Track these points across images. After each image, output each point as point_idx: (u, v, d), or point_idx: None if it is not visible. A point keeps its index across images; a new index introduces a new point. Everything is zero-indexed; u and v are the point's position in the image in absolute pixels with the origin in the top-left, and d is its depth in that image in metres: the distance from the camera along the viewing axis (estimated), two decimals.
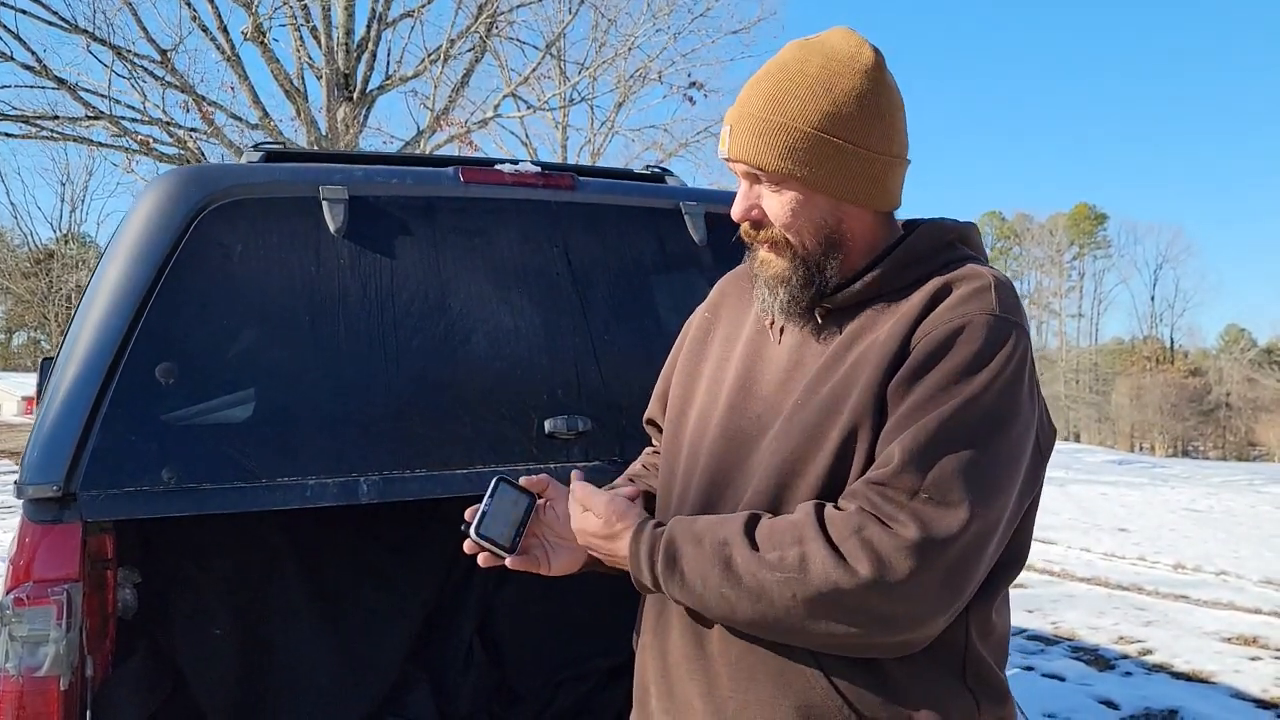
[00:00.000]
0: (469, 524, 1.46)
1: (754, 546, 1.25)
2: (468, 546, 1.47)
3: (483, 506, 1.45)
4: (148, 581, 2.44)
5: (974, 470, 1.20)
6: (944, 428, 1.21)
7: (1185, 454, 51.51)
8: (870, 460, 1.27)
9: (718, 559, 1.26)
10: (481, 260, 2.70)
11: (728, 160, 1.40)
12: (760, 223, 1.40)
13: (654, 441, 1.85)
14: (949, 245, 1.39)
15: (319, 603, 2.56)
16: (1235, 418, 58.29)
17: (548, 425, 2.60)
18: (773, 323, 1.47)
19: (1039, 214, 71.13)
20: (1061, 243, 68.07)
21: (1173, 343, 68.19)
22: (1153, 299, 69.03)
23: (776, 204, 1.36)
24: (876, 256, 1.37)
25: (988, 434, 1.23)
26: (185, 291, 2.38)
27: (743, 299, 1.58)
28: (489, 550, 1.44)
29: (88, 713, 2.15)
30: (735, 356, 1.50)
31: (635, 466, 1.82)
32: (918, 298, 1.32)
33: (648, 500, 1.64)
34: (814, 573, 1.19)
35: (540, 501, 1.51)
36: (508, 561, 1.44)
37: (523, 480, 1.51)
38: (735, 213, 1.41)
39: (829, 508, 1.25)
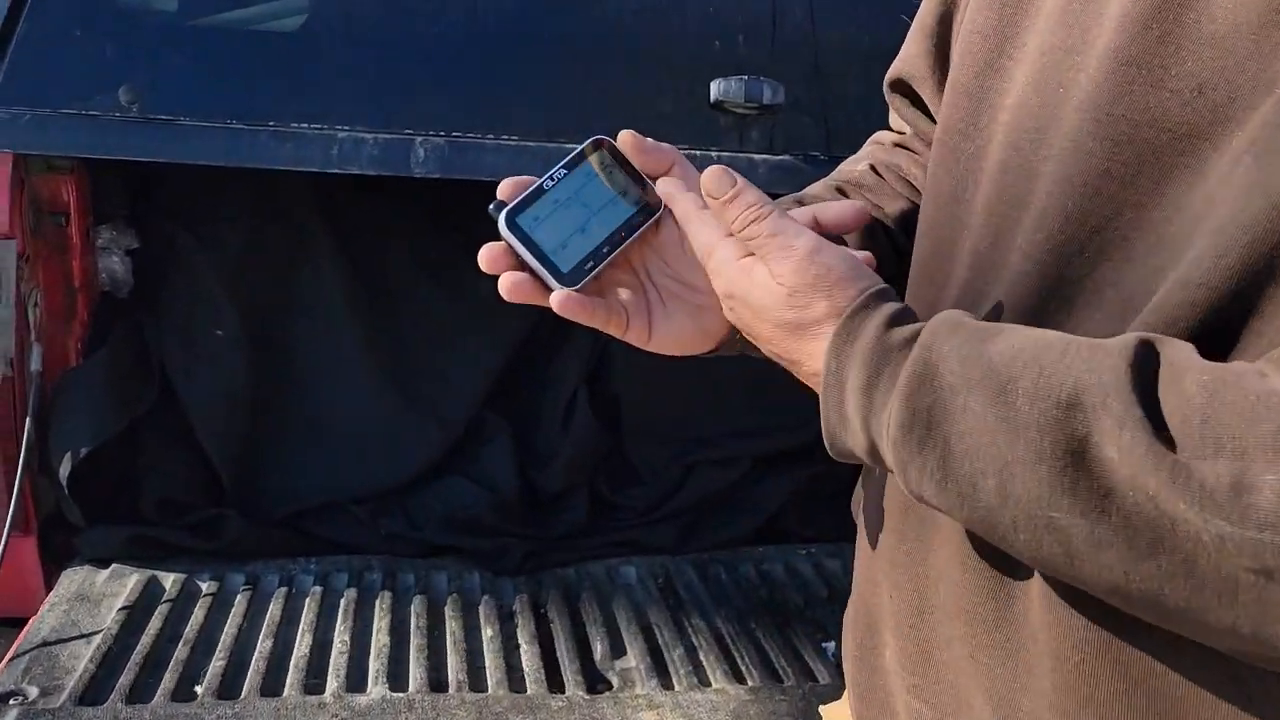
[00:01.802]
0: (501, 203, 0.76)
1: (1157, 429, 0.45)
2: (484, 256, 0.73)
3: (543, 179, 0.76)
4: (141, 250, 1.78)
5: None
6: None
7: None
8: None
9: (1057, 440, 0.48)
10: None
11: None
12: None
13: (901, 121, 0.93)
14: None
15: (362, 311, 1.85)
16: None
17: (716, 90, 1.68)
18: None
19: None
20: None
21: None
22: None
23: None
24: None
25: None
26: None
27: None
28: (527, 262, 0.73)
29: (27, 420, 1.54)
30: None
31: (855, 168, 0.93)
32: None
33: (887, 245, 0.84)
34: None
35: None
36: (554, 300, 0.72)
37: (622, 140, 0.75)
38: None
39: None
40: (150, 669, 1.38)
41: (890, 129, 0.96)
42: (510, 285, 0.70)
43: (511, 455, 1.85)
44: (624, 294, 0.74)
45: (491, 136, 1.59)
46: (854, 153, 1.00)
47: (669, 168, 0.72)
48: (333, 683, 1.37)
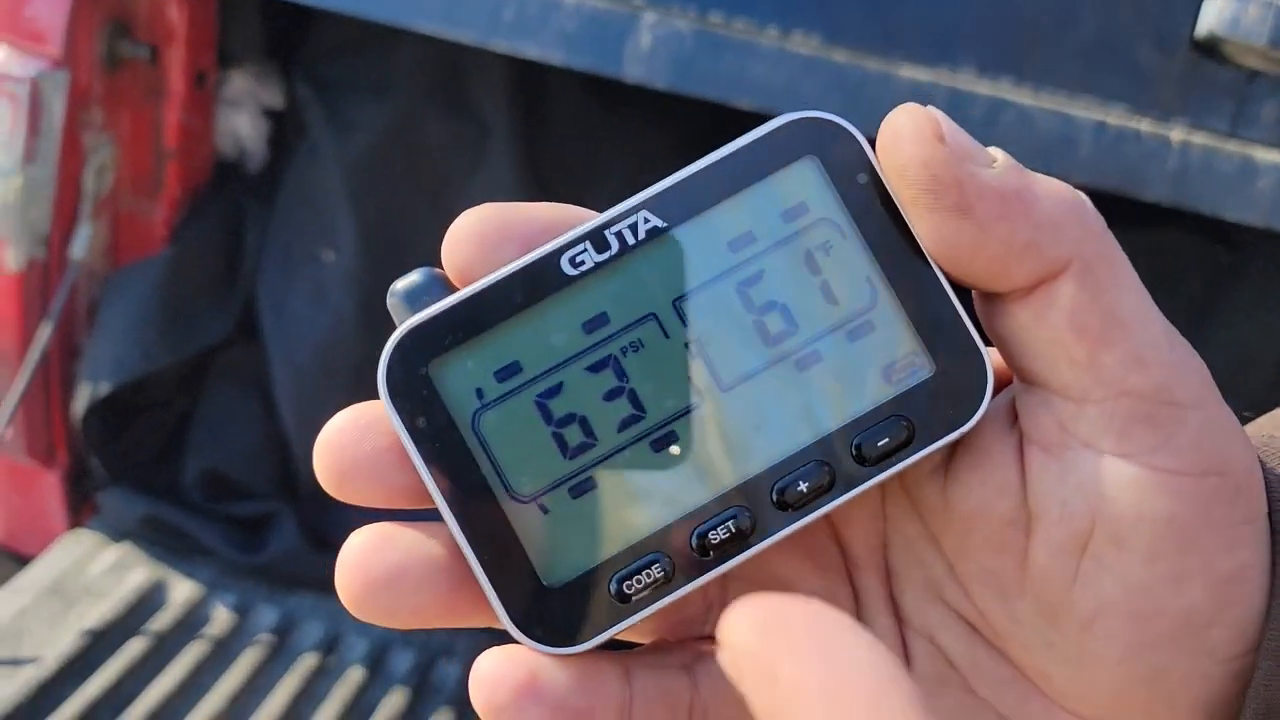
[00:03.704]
0: (412, 290, 0.25)
1: None
2: (329, 454, 0.24)
3: (569, 238, 0.25)
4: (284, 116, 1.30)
5: None
6: None
7: None
8: None
9: None
10: None
11: None
12: None
13: None
14: None
15: None
16: None
17: (1211, 16, 0.90)
18: None
19: None
20: None
21: None
22: None
23: None
24: None
25: None
26: None
27: None
28: (444, 515, 0.24)
29: (43, 324, 1.12)
30: None
31: None
32: None
33: None
34: None
35: None
36: (493, 673, 0.24)
37: (903, 132, 0.24)
38: None
39: None
40: None
41: None
42: (370, 584, 0.25)
43: None
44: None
45: (775, 30, 0.92)
46: None
47: (1052, 274, 0.24)
48: None
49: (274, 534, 1.19)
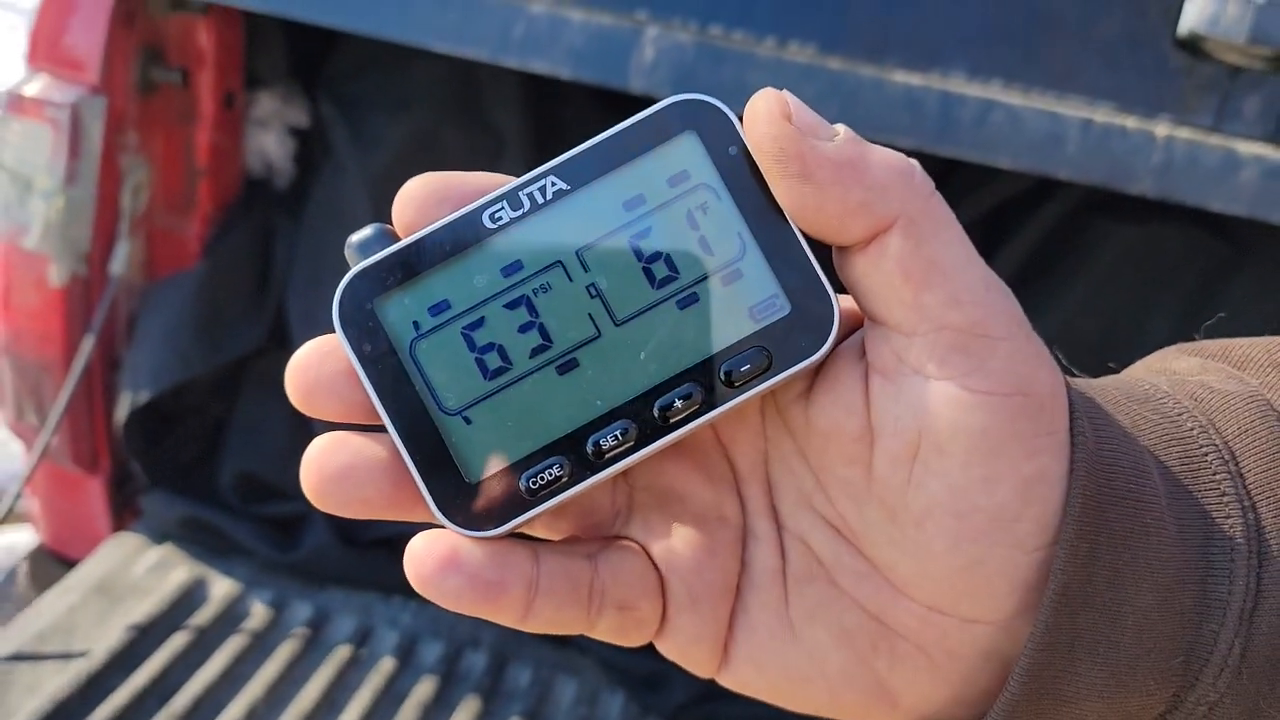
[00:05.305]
0: (365, 241, 0.31)
1: None
2: (296, 376, 0.30)
3: (489, 200, 0.30)
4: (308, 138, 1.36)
5: None
6: None
7: None
8: None
9: None
10: None
11: None
12: None
13: None
14: None
15: None
16: None
17: (1192, 14, 0.94)
18: None
19: None
20: None
21: None
22: None
23: None
24: None
25: None
26: None
27: None
28: (388, 427, 0.30)
29: (86, 337, 1.18)
30: None
31: None
32: None
33: None
34: None
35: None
36: (424, 554, 0.30)
37: (759, 114, 0.31)
38: None
39: None
40: None
41: None
42: (324, 479, 0.30)
43: None
44: (669, 546, 0.33)
45: (772, 40, 0.98)
46: None
47: (882, 228, 0.29)
48: None
49: (307, 533, 1.25)
